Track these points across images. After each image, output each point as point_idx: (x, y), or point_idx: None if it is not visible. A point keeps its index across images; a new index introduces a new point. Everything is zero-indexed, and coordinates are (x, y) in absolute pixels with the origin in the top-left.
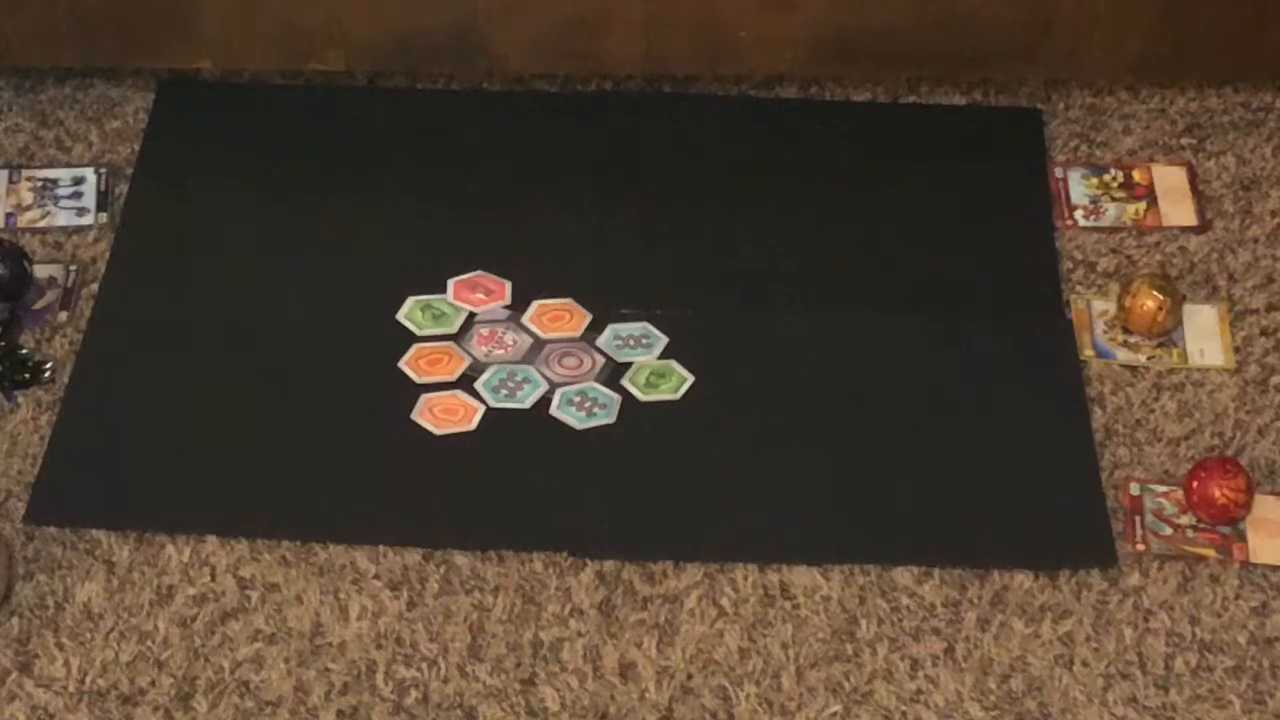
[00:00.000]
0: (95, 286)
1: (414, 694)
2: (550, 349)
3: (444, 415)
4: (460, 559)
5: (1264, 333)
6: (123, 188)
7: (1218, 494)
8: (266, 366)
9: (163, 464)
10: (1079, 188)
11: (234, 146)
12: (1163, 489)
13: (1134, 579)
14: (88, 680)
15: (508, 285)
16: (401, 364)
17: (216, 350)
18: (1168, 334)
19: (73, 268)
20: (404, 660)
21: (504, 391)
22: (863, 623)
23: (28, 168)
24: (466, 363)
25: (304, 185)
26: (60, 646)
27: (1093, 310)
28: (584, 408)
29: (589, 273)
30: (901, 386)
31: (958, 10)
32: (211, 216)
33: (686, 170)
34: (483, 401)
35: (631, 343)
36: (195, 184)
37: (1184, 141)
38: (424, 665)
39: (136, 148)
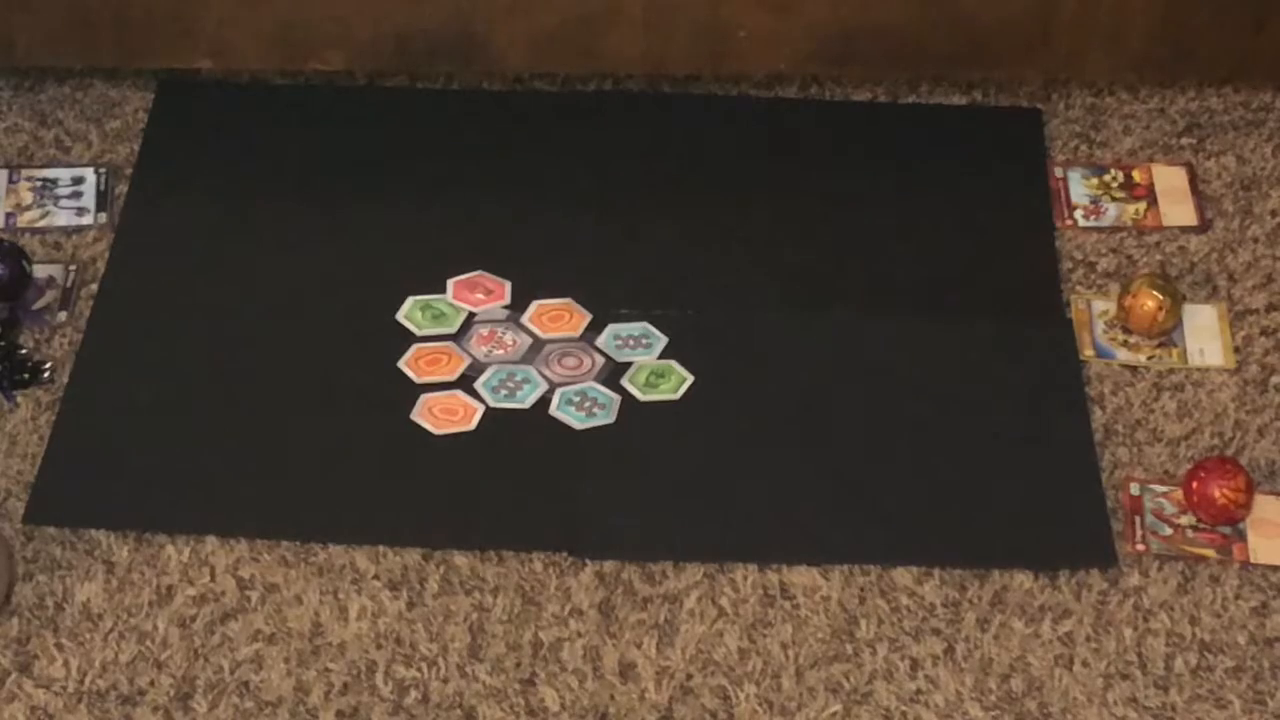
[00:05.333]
0: (95, 286)
1: (414, 694)
2: (550, 349)
3: (444, 415)
4: (460, 559)
5: (1264, 333)
6: (122, 188)
7: (1218, 494)
8: (266, 366)
9: (163, 464)
10: (1079, 188)
11: (234, 146)
12: (1163, 489)
13: (1134, 579)
14: (87, 680)
15: (507, 285)
16: (401, 364)
17: (216, 350)
18: (1168, 334)
19: (72, 268)
20: (404, 660)
21: (504, 391)
22: (863, 623)
23: (27, 168)
24: (466, 363)
25: (303, 185)
26: (60, 647)
27: (1093, 310)
28: (584, 408)
29: (589, 273)
30: (901, 386)
31: (958, 10)
32: (211, 216)
33: (686, 170)
34: (482, 401)
35: (631, 343)
36: (195, 184)
37: (1184, 141)
38: (424, 665)
39: (136, 148)
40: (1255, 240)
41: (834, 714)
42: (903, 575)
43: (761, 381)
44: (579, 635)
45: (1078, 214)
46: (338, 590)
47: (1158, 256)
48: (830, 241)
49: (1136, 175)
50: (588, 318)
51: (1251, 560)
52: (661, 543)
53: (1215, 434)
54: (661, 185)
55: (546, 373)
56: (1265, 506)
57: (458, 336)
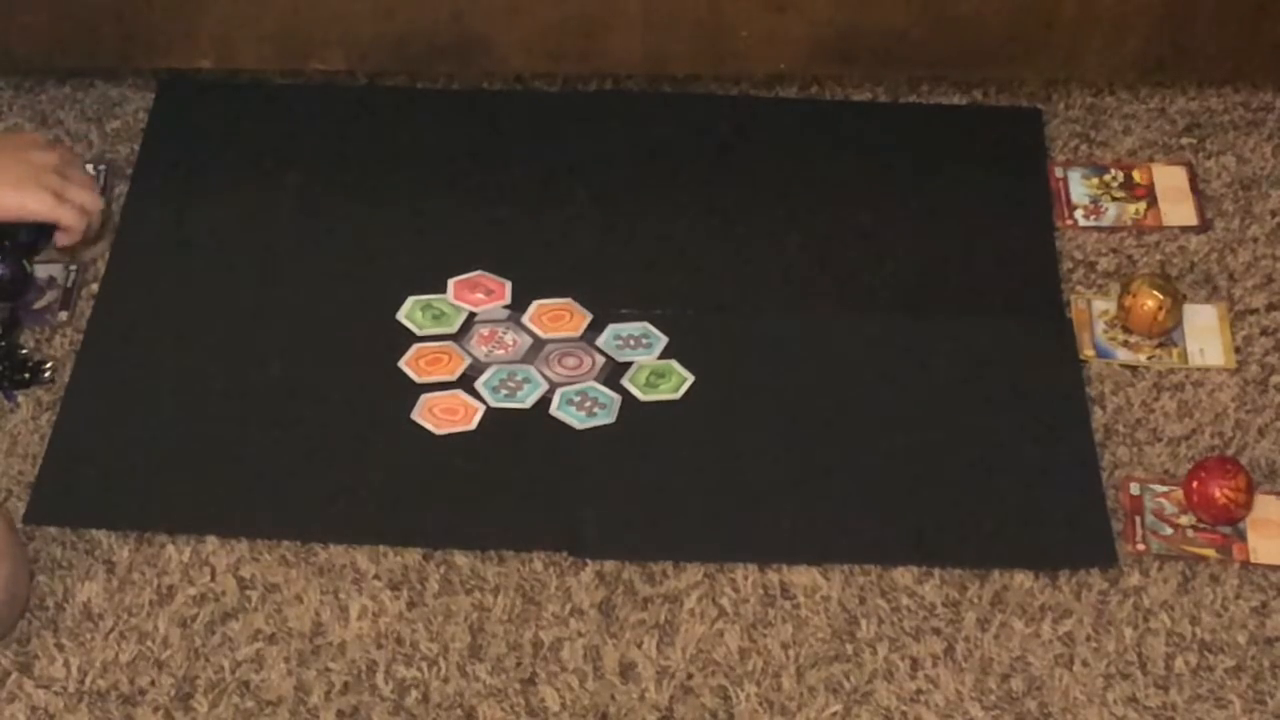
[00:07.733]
0: (95, 286)
1: (414, 694)
2: (550, 349)
3: (444, 415)
4: (460, 559)
5: (1264, 333)
6: (123, 188)
7: (1218, 494)
8: (266, 366)
9: (163, 464)
10: (1079, 187)
11: (234, 146)
12: (1163, 489)
13: (1134, 579)
14: (88, 680)
15: (508, 285)
16: (401, 364)
17: (216, 350)
18: (1168, 334)
19: (73, 268)
20: (404, 660)
21: (504, 391)
22: (863, 623)
23: None
24: (467, 363)
25: (304, 185)
26: (60, 647)
27: (1093, 310)
28: (584, 407)
29: (589, 273)
30: (901, 386)
31: (958, 10)
32: (211, 216)
33: (687, 170)
34: (483, 401)
35: (631, 343)
36: (195, 184)
37: (1184, 141)
38: (424, 665)
39: (136, 148)
40: (1255, 240)
41: (834, 714)
42: (903, 575)
43: (761, 381)
44: (579, 635)
45: (1078, 214)
46: (338, 590)
47: (1158, 256)
48: (830, 241)
49: (1136, 175)
50: (588, 318)
51: (1251, 560)
52: (661, 543)
53: (1215, 434)
54: (662, 185)
55: (547, 372)
56: (1265, 506)
57: (458, 336)
